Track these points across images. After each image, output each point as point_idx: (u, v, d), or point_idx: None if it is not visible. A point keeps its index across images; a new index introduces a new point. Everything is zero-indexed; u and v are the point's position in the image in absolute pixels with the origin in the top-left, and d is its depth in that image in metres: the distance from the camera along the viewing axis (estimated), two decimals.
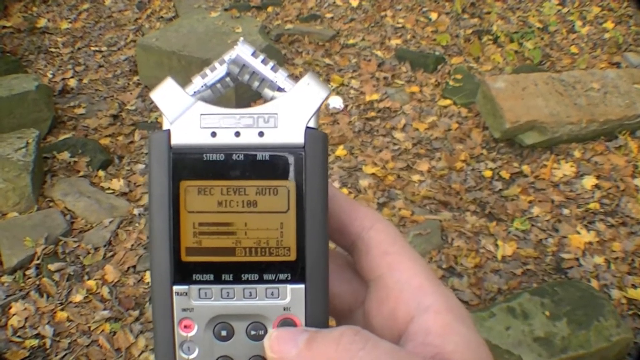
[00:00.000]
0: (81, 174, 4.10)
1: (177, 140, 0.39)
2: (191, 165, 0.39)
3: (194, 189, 0.39)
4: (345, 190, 3.88)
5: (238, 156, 0.39)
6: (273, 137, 0.39)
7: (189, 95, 0.41)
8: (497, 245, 3.44)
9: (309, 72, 0.42)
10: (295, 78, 0.40)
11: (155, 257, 0.40)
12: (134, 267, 3.49)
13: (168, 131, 0.40)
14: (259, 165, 0.39)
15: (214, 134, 0.40)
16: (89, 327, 3.16)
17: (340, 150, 4.23)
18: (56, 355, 3.03)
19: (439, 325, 0.44)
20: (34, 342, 3.08)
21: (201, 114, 0.40)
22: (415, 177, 4.00)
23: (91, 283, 3.39)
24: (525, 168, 4.00)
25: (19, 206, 3.83)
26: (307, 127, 0.40)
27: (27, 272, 3.44)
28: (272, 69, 0.42)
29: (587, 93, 4.23)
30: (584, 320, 2.74)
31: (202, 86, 0.42)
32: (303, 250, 0.40)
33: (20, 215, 3.79)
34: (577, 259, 3.35)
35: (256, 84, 0.42)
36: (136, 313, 3.22)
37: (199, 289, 0.40)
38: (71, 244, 3.61)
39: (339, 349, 0.38)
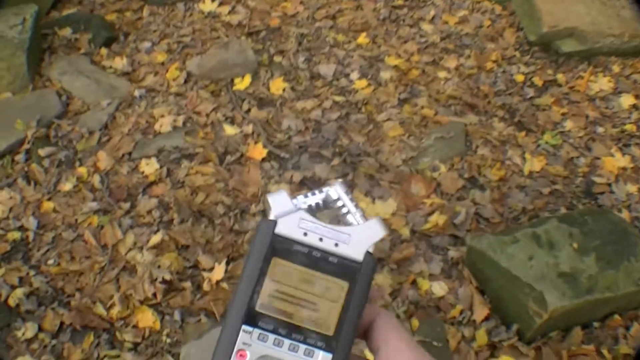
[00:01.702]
0: (82, 51, 3.56)
1: (279, 230, 0.51)
2: (284, 249, 0.50)
3: (281, 265, 0.50)
4: (364, 82, 3.35)
5: (317, 254, 0.51)
6: (343, 250, 0.51)
7: (294, 204, 0.53)
8: (524, 158, 2.98)
9: (378, 217, 0.53)
10: (367, 217, 0.55)
11: (237, 300, 0.50)
12: (129, 154, 3.00)
13: (275, 222, 0.51)
14: (328, 264, 0.51)
15: (305, 234, 0.51)
16: (76, 220, 2.72)
17: (362, 38, 3.65)
18: (38, 250, 2.62)
19: None
20: (17, 235, 2.67)
21: (301, 218, 0.51)
22: (442, 74, 3.44)
23: (82, 170, 2.92)
24: (560, 77, 3.47)
25: (13, 86, 3.33)
26: (367, 252, 0.52)
27: (16, 158, 2.99)
28: (355, 206, 0.55)
29: (631, 6, 3.70)
30: (613, 258, 2.30)
31: (303, 203, 0.54)
32: (340, 331, 0.50)
33: (13, 95, 3.31)
34: (609, 185, 2.88)
35: (342, 211, 0.55)
36: (127, 205, 2.75)
37: (260, 333, 0.49)
38: (65, 127, 3.13)
39: None
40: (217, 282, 2.46)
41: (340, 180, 0.58)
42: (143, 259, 2.53)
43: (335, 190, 0.55)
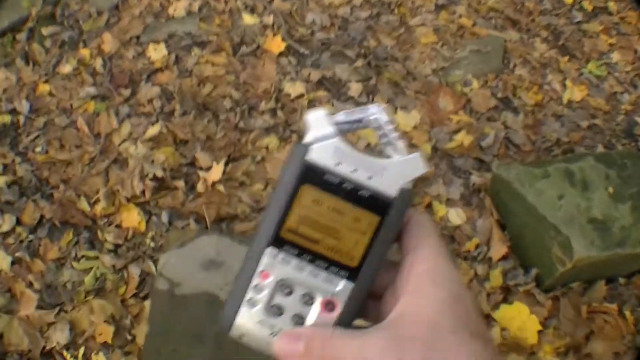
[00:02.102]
0: None
1: (311, 156, 0.47)
2: (314, 177, 0.47)
3: (310, 193, 0.47)
4: None
5: (348, 185, 0.47)
6: (377, 183, 0.47)
7: (333, 121, 0.48)
8: (565, 85, 2.61)
9: (420, 151, 0.49)
10: (410, 148, 0.52)
11: (264, 224, 0.48)
12: (138, 37, 2.67)
13: (308, 147, 0.47)
14: (359, 197, 0.47)
15: (338, 164, 0.47)
16: (71, 105, 2.43)
17: None
18: (27, 136, 2.35)
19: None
20: (7, 119, 2.40)
21: (335, 146, 0.47)
22: None
23: (85, 52, 2.61)
24: (612, 5, 3.05)
25: None
26: (402, 187, 0.48)
27: (18, 37, 2.70)
28: (397, 137, 0.49)
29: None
30: None
31: (344, 121, 0.49)
32: (363, 264, 0.48)
33: None
34: None
35: (383, 140, 0.49)
36: (127, 92, 2.44)
37: (284, 257, 0.48)
38: (73, 6, 2.81)
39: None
40: (213, 184, 2.14)
41: (382, 104, 0.52)
42: (137, 151, 2.22)
43: (378, 115, 0.49)
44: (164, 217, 2.07)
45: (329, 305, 0.49)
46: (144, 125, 2.33)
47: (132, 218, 2.08)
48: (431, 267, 0.47)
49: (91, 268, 1.99)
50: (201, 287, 1.83)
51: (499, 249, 2.07)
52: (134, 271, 1.98)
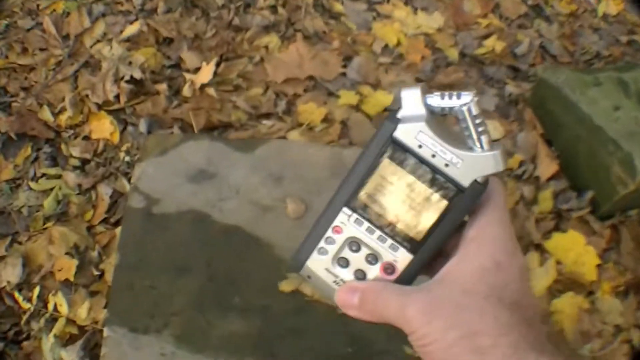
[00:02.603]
0: None
1: (397, 134, 0.49)
2: (396, 153, 0.49)
3: (390, 167, 0.49)
4: None
5: (425, 168, 0.49)
6: (451, 172, 0.49)
7: (425, 102, 0.49)
8: None
9: (501, 149, 0.48)
10: (494, 143, 0.48)
11: (345, 185, 0.51)
12: None
13: (397, 124, 0.49)
14: (433, 180, 0.49)
15: (420, 146, 0.49)
16: (37, 6, 2.01)
17: None
18: None
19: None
20: None
21: (420, 130, 0.48)
22: None
23: None
24: None
25: None
26: (475, 180, 0.48)
27: None
28: (481, 131, 0.49)
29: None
30: None
31: (436, 105, 0.49)
32: (426, 239, 0.50)
33: None
34: None
35: (466, 132, 0.49)
36: None
37: (357, 218, 0.51)
38: None
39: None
40: (202, 87, 1.72)
41: (475, 95, 0.47)
42: (111, 52, 1.80)
43: (470, 106, 0.48)
44: (142, 126, 1.66)
45: (388, 269, 0.51)
46: (121, 24, 1.90)
47: (103, 128, 1.67)
48: (481, 233, 0.48)
49: (52, 189, 1.59)
50: (187, 204, 1.43)
51: (547, 166, 1.71)
52: (104, 191, 1.58)
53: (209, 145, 1.49)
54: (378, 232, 0.51)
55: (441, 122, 0.51)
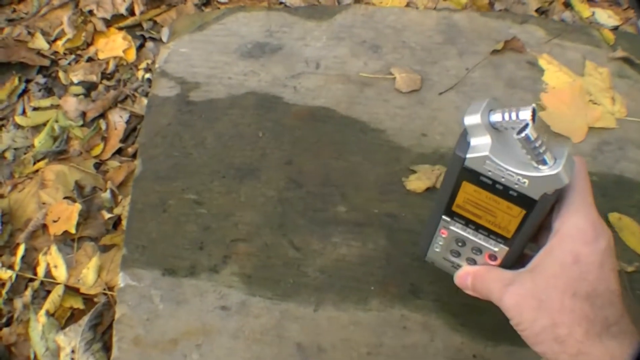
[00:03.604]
0: None
1: (467, 163, 0.51)
2: (472, 177, 0.52)
3: (470, 186, 0.52)
4: None
5: (499, 186, 0.51)
6: (521, 189, 0.50)
7: (488, 123, 0.50)
8: None
9: (564, 162, 0.48)
10: (559, 150, 0.49)
11: (440, 198, 0.55)
12: None
13: (465, 158, 0.51)
14: (509, 194, 0.51)
15: (489, 171, 0.50)
16: None
17: None
18: None
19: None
20: None
21: (486, 160, 0.50)
22: None
23: None
24: None
25: None
26: (544, 193, 0.49)
27: None
28: (540, 152, 0.48)
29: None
30: None
31: (498, 123, 0.49)
32: (516, 237, 0.53)
33: None
34: None
35: (530, 155, 0.48)
36: None
37: (455, 223, 0.56)
38: None
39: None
40: None
41: (533, 110, 0.47)
42: None
43: (526, 135, 0.48)
44: (165, 36, 1.19)
45: (492, 257, 0.56)
46: None
47: (114, 45, 1.21)
48: (563, 226, 0.49)
49: (45, 123, 1.11)
50: (244, 85, 0.94)
51: None
52: (116, 119, 1.10)
53: (266, 16, 1.01)
54: (475, 232, 0.55)
55: (508, 136, 0.50)
